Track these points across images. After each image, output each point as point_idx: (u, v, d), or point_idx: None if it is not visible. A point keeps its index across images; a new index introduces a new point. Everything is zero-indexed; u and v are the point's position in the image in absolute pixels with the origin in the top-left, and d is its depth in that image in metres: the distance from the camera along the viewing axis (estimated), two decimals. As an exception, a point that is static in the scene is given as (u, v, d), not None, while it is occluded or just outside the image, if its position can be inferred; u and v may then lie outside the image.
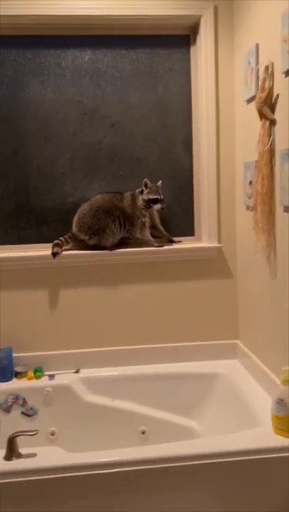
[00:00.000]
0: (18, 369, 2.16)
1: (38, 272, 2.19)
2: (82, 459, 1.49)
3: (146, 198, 2.14)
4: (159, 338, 2.27)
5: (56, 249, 2.12)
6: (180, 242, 2.27)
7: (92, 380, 2.16)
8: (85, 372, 2.20)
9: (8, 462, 1.46)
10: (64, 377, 2.15)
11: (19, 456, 1.49)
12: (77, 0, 2.03)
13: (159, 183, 2.17)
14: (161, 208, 2.17)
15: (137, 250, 2.20)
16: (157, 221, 2.25)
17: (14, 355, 2.17)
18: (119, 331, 2.26)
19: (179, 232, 2.31)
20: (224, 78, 2.15)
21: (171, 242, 2.26)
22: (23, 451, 1.52)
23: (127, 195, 2.20)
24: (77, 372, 2.20)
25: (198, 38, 2.17)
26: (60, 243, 2.15)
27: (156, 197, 2.14)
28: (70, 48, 2.16)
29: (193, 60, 2.21)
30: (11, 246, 2.23)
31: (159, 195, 2.15)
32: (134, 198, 2.18)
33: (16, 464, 1.45)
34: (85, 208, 2.18)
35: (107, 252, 2.17)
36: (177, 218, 2.31)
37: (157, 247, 2.21)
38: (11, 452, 1.48)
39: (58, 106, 2.17)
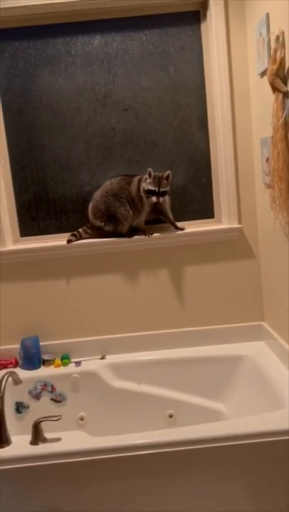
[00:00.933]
0: (45, 357, 2.21)
1: (60, 262, 2.22)
2: (108, 442, 1.52)
3: (145, 188, 2.09)
4: (183, 322, 2.27)
5: (70, 237, 2.17)
6: (183, 229, 2.21)
7: (117, 366, 2.19)
8: (110, 358, 2.23)
9: (33, 446, 1.50)
10: (90, 364, 2.19)
11: (44, 440, 1.53)
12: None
13: (165, 174, 2.09)
14: (157, 201, 2.09)
15: (156, 236, 2.19)
16: (167, 208, 2.20)
17: (41, 343, 2.22)
18: (143, 317, 2.27)
19: (197, 214, 2.28)
20: (237, 52, 2.08)
21: (177, 229, 2.21)
22: (51, 435, 1.56)
23: (136, 179, 2.17)
24: (103, 358, 2.23)
25: (208, 12, 2.09)
26: (77, 234, 2.18)
27: (153, 189, 2.06)
28: (78, 34, 2.14)
29: (205, 37, 2.15)
30: (32, 237, 2.27)
31: (158, 187, 2.06)
32: (139, 183, 2.15)
33: (41, 448, 1.49)
34: (97, 194, 2.18)
35: (126, 238, 2.17)
36: (195, 200, 2.27)
37: (147, 235, 2.18)
38: (37, 437, 1.52)
39: (70, 95, 2.17)
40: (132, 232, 2.20)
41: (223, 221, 2.25)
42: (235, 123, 2.14)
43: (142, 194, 2.12)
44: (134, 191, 2.15)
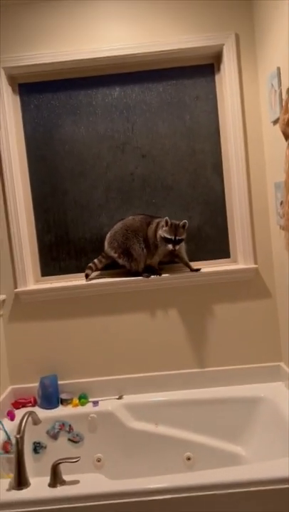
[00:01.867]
0: (63, 396, 2.22)
1: (79, 301, 2.27)
2: (126, 486, 1.51)
3: (162, 235, 2.17)
4: (200, 363, 2.27)
5: (87, 272, 2.24)
6: (198, 270, 2.25)
7: (135, 406, 2.18)
8: (127, 398, 2.23)
9: (52, 489, 1.50)
10: (108, 404, 2.19)
11: (63, 483, 1.53)
12: (104, 43, 2.17)
13: (182, 223, 2.17)
14: (173, 250, 2.16)
15: (173, 276, 2.23)
16: (182, 252, 2.26)
17: (59, 382, 2.24)
18: (159, 356, 2.28)
19: (214, 254, 2.33)
20: (250, 101, 2.19)
21: (193, 271, 2.26)
22: (68, 477, 1.56)
23: (155, 221, 2.24)
24: (120, 398, 2.23)
25: (222, 65, 2.22)
26: (93, 266, 2.25)
27: (169, 237, 2.14)
28: (99, 87, 2.28)
29: (219, 87, 2.27)
30: (52, 277, 2.34)
31: (174, 236, 2.14)
32: (156, 227, 2.22)
33: (60, 491, 1.49)
34: (117, 226, 2.25)
35: (144, 278, 2.22)
36: (211, 241, 2.33)
37: (157, 275, 2.24)
38: (55, 479, 1.52)
39: (90, 142, 2.29)
40: (149, 271, 2.25)
41: (239, 261, 2.29)
42: (249, 167, 2.21)
43: (158, 240, 2.19)
44: (150, 233, 2.22)
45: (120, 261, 2.25)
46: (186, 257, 2.27)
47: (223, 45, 2.17)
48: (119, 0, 2.16)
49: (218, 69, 2.26)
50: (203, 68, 2.28)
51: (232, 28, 2.16)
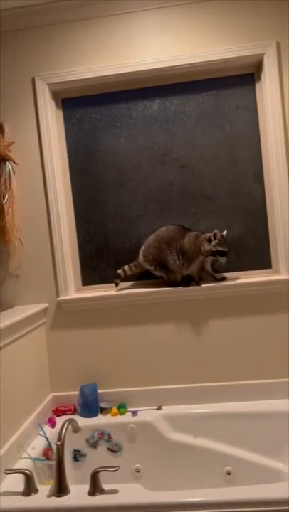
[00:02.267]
0: (102, 405, 2.24)
1: (119, 310, 2.29)
2: (166, 498, 1.50)
3: (214, 249, 2.16)
4: (240, 375, 2.23)
5: (116, 281, 2.28)
6: (225, 278, 2.27)
7: (174, 417, 2.17)
8: (166, 409, 2.21)
9: (91, 497, 1.51)
10: (147, 414, 2.19)
11: (102, 492, 1.54)
12: (143, 56, 2.21)
13: (224, 233, 2.18)
14: (226, 261, 2.19)
15: (213, 285, 2.21)
16: (208, 264, 2.26)
17: (99, 391, 2.26)
18: (199, 368, 2.26)
19: (255, 264, 2.29)
20: (291, 110, 2.16)
21: (217, 280, 2.26)
22: (107, 486, 1.57)
23: (191, 234, 2.23)
24: (159, 409, 2.23)
25: (262, 74, 2.21)
26: (122, 273, 2.27)
27: (224, 250, 2.16)
28: (139, 99, 2.32)
29: (259, 96, 2.25)
30: (93, 286, 2.38)
31: (226, 247, 2.17)
32: (197, 240, 2.21)
33: (99, 500, 1.50)
34: (150, 239, 2.26)
35: (182, 288, 2.22)
36: (251, 251, 2.29)
37: (220, 279, 2.26)
38: (95, 488, 1.53)
39: (130, 154, 2.33)
40: (187, 280, 2.25)
41: (281, 271, 2.24)
42: (291, 176, 2.17)
43: (206, 254, 2.18)
44: (187, 245, 2.21)
45: (157, 273, 2.26)
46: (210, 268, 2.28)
47: (264, 54, 2.15)
48: (157, 13, 2.21)
49: (259, 78, 2.24)
50: (244, 78, 2.27)
51: (272, 37, 2.15)
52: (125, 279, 2.30)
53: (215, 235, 2.15)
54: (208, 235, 2.18)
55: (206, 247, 2.17)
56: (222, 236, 2.17)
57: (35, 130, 2.29)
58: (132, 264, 2.29)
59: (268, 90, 2.17)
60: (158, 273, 2.26)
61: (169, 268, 2.23)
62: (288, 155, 2.17)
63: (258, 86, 2.26)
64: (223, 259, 2.18)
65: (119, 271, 2.28)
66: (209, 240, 2.17)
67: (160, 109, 2.31)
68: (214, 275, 2.27)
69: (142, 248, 2.28)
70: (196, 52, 2.18)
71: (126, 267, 2.28)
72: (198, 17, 2.19)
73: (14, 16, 2.22)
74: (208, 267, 2.26)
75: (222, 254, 2.16)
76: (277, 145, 2.17)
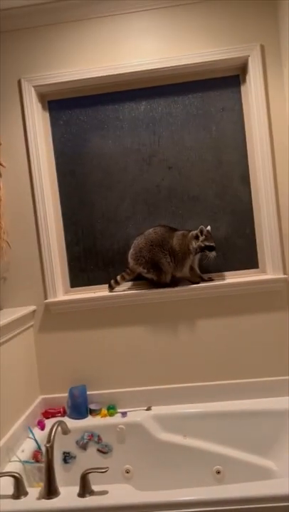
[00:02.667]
0: (92, 406, 2.24)
1: (108, 311, 2.29)
2: (156, 498, 1.50)
3: (202, 244, 2.18)
4: (228, 374, 2.25)
5: (109, 290, 2.29)
6: (212, 279, 2.29)
7: (163, 418, 2.18)
8: (156, 410, 2.22)
9: (81, 499, 1.51)
10: (136, 415, 2.19)
11: (92, 493, 1.54)
12: (129, 58, 2.22)
13: (208, 228, 2.21)
14: (215, 256, 2.21)
15: (201, 286, 2.23)
16: (196, 263, 2.28)
17: (88, 392, 2.26)
18: (188, 368, 2.27)
19: (242, 265, 2.31)
20: (276, 112, 2.19)
21: (204, 280, 2.28)
22: (97, 488, 1.57)
23: (178, 234, 2.25)
24: (148, 409, 2.23)
25: (247, 77, 2.24)
26: (114, 284, 2.28)
27: (212, 244, 2.18)
28: (126, 101, 2.33)
29: (245, 98, 2.28)
30: (81, 288, 2.38)
31: (213, 242, 2.19)
32: (185, 239, 2.22)
33: (89, 501, 1.50)
34: (140, 241, 2.26)
35: (171, 288, 2.23)
36: (239, 251, 2.31)
37: (207, 280, 2.27)
38: (84, 489, 1.53)
39: (117, 156, 2.33)
40: (176, 281, 2.26)
41: (268, 271, 2.27)
42: (276, 177, 2.20)
43: (195, 251, 2.20)
44: (177, 246, 2.23)
45: (149, 275, 2.26)
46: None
47: (249, 56, 2.18)
48: (144, 15, 2.22)
49: (244, 80, 2.27)
50: (229, 80, 2.29)
51: (257, 40, 2.18)
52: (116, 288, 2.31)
53: (202, 231, 2.18)
54: (195, 232, 2.20)
55: (195, 244, 2.19)
56: (208, 231, 2.19)
57: (22, 132, 2.28)
58: (124, 273, 2.28)
59: (252, 92, 2.20)
60: (150, 275, 2.26)
61: (163, 269, 2.23)
62: (274, 156, 2.20)
63: (243, 88, 2.28)
64: (212, 254, 2.19)
65: (112, 282, 2.28)
66: (196, 237, 2.19)
67: (147, 111, 2.32)
68: (202, 276, 2.28)
69: (131, 252, 2.27)
70: (182, 55, 2.20)
71: (118, 277, 2.28)
72: (184, 19, 2.21)
73: (1, 17, 2.22)
74: (196, 266, 2.27)
75: (210, 248, 2.18)
76: (263, 146, 2.20)
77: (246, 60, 2.20)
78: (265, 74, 2.18)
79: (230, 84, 2.29)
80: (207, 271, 2.32)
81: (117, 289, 2.30)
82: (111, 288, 2.29)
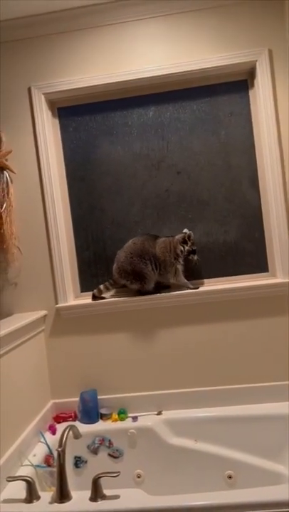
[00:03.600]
0: (103, 411, 2.25)
1: (119, 316, 2.30)
2: (167, 502, 1.50)
3: (191, 248, 2.23)
4: (239, 379, 2.24)
5: (93, 300, 2.30)
6: (196, 288, 2.28)
7: (174, 422, 2.17)
8: (167, 414, 2.22)
9: (93, 503, 1.52)
10: (147, 419, 2.19)
11: (104, 497, 1.54)
12: (138, 65, 2.24)
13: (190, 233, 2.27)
14: (198, 260, 2.27)
15: (211, 290, 2.23)
16: (181, 273, 2.28)
17: (99, 397, 2.27)
18: (199, 372, 2.27)
19: (251, 269, 2.31)
20: (284, 115, 2.19)
21: (191, 289, 2.27)
22: (109, 492, 1.57)
23: (160, 241, 2.26)
24: (159, 414, 2.23)
25: (255, 81, 2.24)
26: (97, 293, 2.29)
27: (195, 248, 2.25)
28: (135, 107, 2.35)
29: (253, 102, 2.28)
30: (91, 293, 2.38)
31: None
32: (170, 245, 2.24)
33: (100, 505, 1.51)
34: (120, 256, 2.26)
35: (186, 292, 2.24)
36: (248, 255, 2.31)
37: (192, 289, 2.25)
38: (96, 493, 1.54)
39: (127, 161, 2.35)
40: (158, 288, 2.29)
41: (278, 275, 2.26)
42: (285, 180, 2.20)
43: (181, 255, 2.23)
44: (160, 254, 2.24)
45: (133, 286, 2.26)
46: None
47: (256, 61, 2.19)
48: (152, 22, 2.24)
49: (252, 84, 2.28)
50: (237, 84, 2.30)
51: (265, 44, 2.18)
52: (101, 297, 2.31)
53: (189, 236, 2.22)
54: (179, 236, 2.23)
55: (184, 248, 2.23)
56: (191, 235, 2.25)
57: (32, 139, 2.31)
58: (107, 283, 2.30)
59: (261, 96, 2.21)
60: (133, 286, 2.26)
61: (146, 278, 2.23)
62: (283, 159, 2.20)
63: (251, 92, 2.29)
64: (196, 257, 2.24)
65: (95, 291, 2.30)
66: (184, 242, 2.22)
67: (155, 117, 2.34)
68: (189, 285, 2.27)
69: (114, 266, 2.28)
70: (190, 60, 2.21)
71: (101, 286, 2.29)
72: (192, 25, 2.22)
73: (11, 26, 2.25)
74: (181, 276, 2.26)
75: (195, 252, 2.24)
76: (272, 150, 2.20)
77: (254, 64, 2.20)
78: (274, 78, 2.19)
79: (239, 89, 2.30)
80: (215, 275, 2.32)
81: (120, 290, 2.32)
82: (94, 298, 2.29)
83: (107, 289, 2.30)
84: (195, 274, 2.33)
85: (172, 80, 2.28)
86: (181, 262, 2.25)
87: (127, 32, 2.26)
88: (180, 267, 2.26)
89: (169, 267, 2.25)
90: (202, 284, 2.32)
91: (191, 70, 2.22)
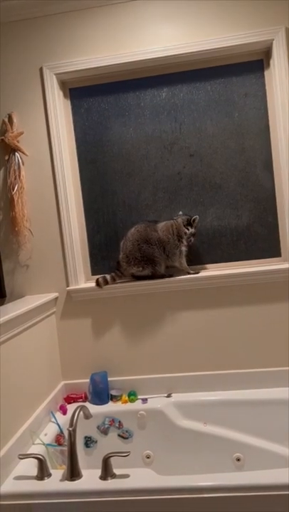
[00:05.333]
0: (113, 392, 2.27)
1: (130, 299, 2.31)
2: (176, 482, 1.52)
3: (193, 231, 2.23)
4: (249, 363, 2.24)
5: (97, 287, 2.27)
6: (197, 272, 2.28)
7: (184, 405, 2.19)
8: (176, 397, 2.24)
9: (103, 481, 1.54)
10: (157, 401, 2.21)
11: (114, 476, 1.56)
12: (151, 44, 2.19)
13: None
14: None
15: (224, 274, 2.22)
16: (184, 256, 2.28)
17: (109, 379, 2.29)
18: (209, 356, 2.27)
19: (264, 253, 2.29)
20: (301, 96, 2.14)
21: (192, 274, 2.27)
22: (118, 471, 1.59)
23: (162, 225, 2.25)
24: (169, 396, 2.25)
25: (271, 61, 2.18)
26: (102, 281, 2.26)
27: (196, 231, 2.26)
28: (147, 88, 2.31)
29: (268, 83, 2.23)
30: (102, 276, 2.39)
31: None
32: (172, 228, 2.23)
33: (110, 484, 1.53)
34: (127, 246, 2.24)
35: (197, 276, 2.23)
36: (261, 239, 2.29)
37: (193, 274, 2.25)
38: (106, 472, 1.56)
39: (139, 143, 2.32)
40: (170, 272, 2.29)
41: (290, 260, 2.24)
42: (300, 163, 2.16)
43: (186, 237, 2.22)
44: (165, 237, 2.23)
45: (145, 272, 2.25)
46: None
47: (273, 40, 2.13)
48: (164, 1, 2.18)
49: (268, 65, 2.22)
50: (252, 64, 2.24)
51: (282, 23, 2.12)
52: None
53: (194, 220, 2.22)
54: (183, 219, 2.23)
55: (188, 230, 2.22)
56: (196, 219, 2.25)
57: (44, 120, 2.29)
58: (114, 274, 2.27)
59: (277, 77, 2.15)
60: (146, 272, 2.25)
61: (157, 261, 2.23)
62: (298, 142, 2.16)
63: (266, 73, 2.23)
64: (194, 239, 2.25)
65: (100, 279, 2.26)
66: (189, 224, 2.22)
67: (168, 98, 2.30)
68: (189, 270, 2.27)
69: (122, 256, 2.26)
70: (204, 40, 2.16)
71: (108, 276, 2.26)
72: (206, 4, 2.16)
73: (22, 5, 2.22)
74: (184, 259, 2.26)
75: (194, 235, 2.25)
76: (287, 132, 2.16)
77: (270, 44, 2.15)
78: (290, 57, 2.13)
79: (254, 69, 2.25)
80: (227, 260, 2.31)
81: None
82: (99, 286, 2.26)
83: (114, 280, 2.28)
84: (201, 258, 2.33)
85: (185, 60, 2.23)
86: (185, 243, 2.24)
87: (140, 10, 2.21)
88: (184, 249, 2.25)
89: (174, 249, 2.24)
90: (204, 268, 2.32)
91: (205, 50, 2.17)
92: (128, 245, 2.25)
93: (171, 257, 2.25)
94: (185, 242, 2.24)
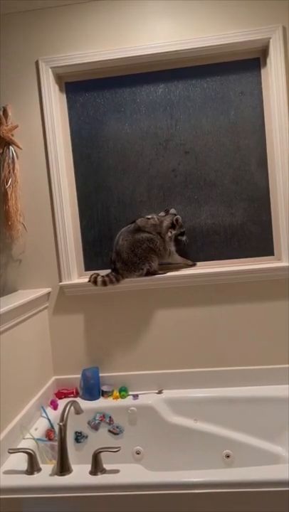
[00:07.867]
0: (104, 388, 2.27)
1: (122, 295, 2.31)
2: (166, 478, 1.53)
3: (178, 232, 2.23)
4: (240, 361, 2.25)
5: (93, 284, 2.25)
6: (194, 264, 2.33)
7: (174, 401, 2.20)
8: (167, 393, 2.24)
9: (93, 476, 1.55)
10: (147, 398, 2.22)
11: (103, 471, 1.57)
12: (148, 40, 2.19)
13: (174, 211, 2.28)
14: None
15: (217, 271, 2.22)
16: (175, 253, 2.31)
17: (101, 374, 2.29)
18: (200, 353, 2.28)
19: (257, 252, 2.29)
20: (297, 96, 2.14)
21: (190, 266, 2.32)
22: (108, 467, 1.60)
23: (146, 224, 2.22)
24: (160, 392, 2.25)
25: (268, 59, 2.19)
26: (107, 279, 2.24)
27: (183, 230, 2.26)
28: (144, 84, 2.30)
29: (265, 82, 2.23)
30: (96, 271, 2.38)
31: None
32: (156, 228, 2.23)
33: (100, 479, 1.53)
34: (123, 256, 2.22)
35: (190, 273, 2.24)
36: (255, 238, 2.29)
37: (191, 266, 2.30)
38: (96, 467, 1.56)
39: (134, 139, 2.32)
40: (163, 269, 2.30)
41: (283, 259, 2.24)
42: (295, 163, 2.17)
43: (169, 240, 2.23)
44: (152, 236, 2.23)
45: (142, 271, 2.23)
46: None
47: (270, 38, 2.13)
48: (165, -3, 2.18)
49: (265, 63, 2.22)
50: (249, 63, 2.24)
51: (279, 21, 2.12)
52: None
53: (177, 220, 2.22)
54: (167, 223, 2.22)
55: (171, 233, 2.23)
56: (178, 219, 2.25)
57: (39, 114, 2.28)
58: (111, 276, 2.23)
59: (273, 76, 2.16)
60: (143, 270, 2.23)
61: (152, 258, 2.23)
62: (293, 141, 2.16)
63: (263, 71, 2.24)
64: (184, 238, 2.25)
65: (99, 280, 2.23)
66: (172, 226, 2.22)
67: (164, 94, 2.29)
68: (187, 262, 2.30)
69: (119, 265, 2.22)
70: (201, 37, 2.16)
71: (106, 278, 2.23)
72: (204, 1, 2.16)
73: (18, -3, 2.20)
74: (175, 255, 2.28)
75: (183, 234, 2.25)
76: (282, 131, 2.16)
77: (267, 42, 2.15)
78: (287, 56, 2.13)
79: (250, 68, 2.25)
80: (220, 258, 2.31)
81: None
82: (95, 284, 2.24)
83: (111, 282, 2.24)
84: (195, 255, 2.34)
85: (182, 56, 2.22)
86: (172, 244, 2.25)
87: (137, 6, 2.20)
88: (172, 249, 2.26)
89: (163, 250, 2.25)
90: (197, 266, 2.34)
91: (202, 47, 2.17)
92: (124, 257, 2.23)
93: (163, 255, 2.26)
94: (173, 243, 2.25)
